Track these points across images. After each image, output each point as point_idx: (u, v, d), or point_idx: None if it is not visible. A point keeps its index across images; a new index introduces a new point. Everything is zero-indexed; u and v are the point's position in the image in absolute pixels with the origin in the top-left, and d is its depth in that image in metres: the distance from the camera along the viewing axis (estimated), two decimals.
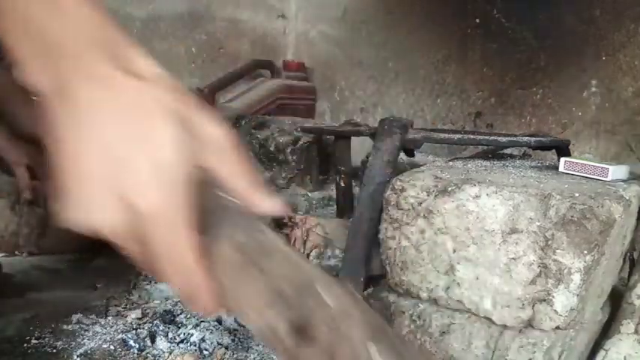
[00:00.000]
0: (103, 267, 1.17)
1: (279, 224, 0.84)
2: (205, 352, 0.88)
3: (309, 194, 1.48)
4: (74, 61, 0.40)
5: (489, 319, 0.76)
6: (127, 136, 0.39)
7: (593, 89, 1.50)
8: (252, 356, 0.88)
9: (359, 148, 1.49)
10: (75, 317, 0.95)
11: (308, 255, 0.93)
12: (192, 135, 0.40)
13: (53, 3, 0.41)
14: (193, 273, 0.39)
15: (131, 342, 0.87)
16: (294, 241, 0.86)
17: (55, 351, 0.86)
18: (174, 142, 0.39)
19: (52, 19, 0.40)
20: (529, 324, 0.74)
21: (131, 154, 0.38)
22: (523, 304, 0.73)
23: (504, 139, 1.10)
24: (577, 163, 0.90)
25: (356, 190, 1.21)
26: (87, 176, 0.38)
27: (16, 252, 1.21)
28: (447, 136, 1.09)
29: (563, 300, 0.71)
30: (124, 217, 0.38)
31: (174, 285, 0.40)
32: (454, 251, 0.78)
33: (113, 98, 0.40)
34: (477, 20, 1.72)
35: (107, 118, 0.39)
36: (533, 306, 0.73)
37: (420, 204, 0.79)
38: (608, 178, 0.85)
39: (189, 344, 0.88)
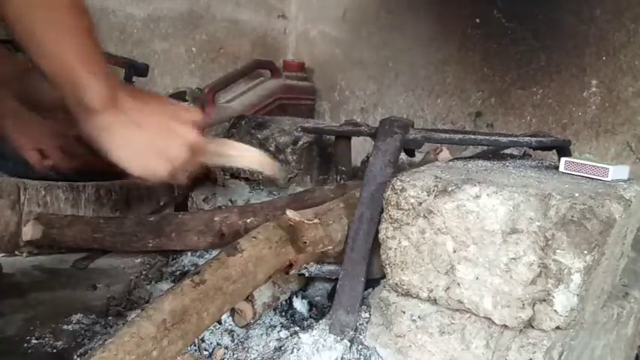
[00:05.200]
0: (103, 267, 1.17)
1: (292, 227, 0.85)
2: (205, 352, 0.88)
3: None
4: (117, 86, 0.71)
5: (489, 319, 0.76)
6: (161, 128, 0.76)
7: (593, 89, 1.50)
8: (252, 356, 0.88)
9: (359, 148, 1.49)
10: (75, 317, 0.95)
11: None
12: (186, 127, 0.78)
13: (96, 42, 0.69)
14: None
15: None
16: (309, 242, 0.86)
17: (55, 351, 0.86)
18: (184, 132, 0.77)
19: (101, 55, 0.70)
20: (529, 324, 0.74)
21: (168, 139, 0.76)
22: (523, 304, 0.73)
23: (505, 139, 1.10)
24: (577, 163, 0.90)
25: None
26: (146, 149, 0.75)
27: (16, 252, 1.21)
28: (447, 136, 1.09)
29: (563, 300, 0.71)
30: (166, 166, 0.76)
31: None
32: (454, 251, 0.78)
33: (149, 107, 0.76)
34: (477, 20, 1.72)
35: (147, 119, 0.75)
36: (534, 306, 0.73)
37: (420, 204, 0.79)
38: (608, 178, 0.85)
39: None
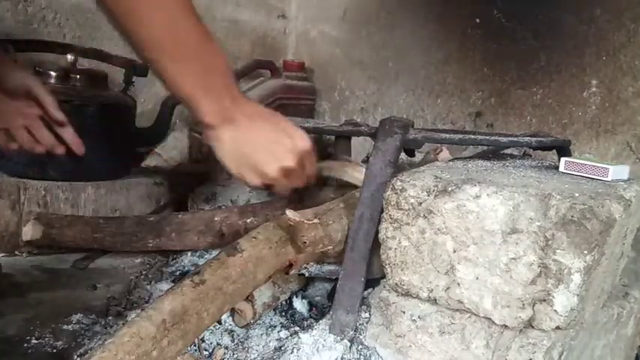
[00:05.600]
0: (103, 267, 1.17)
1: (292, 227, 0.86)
2: (205, 352, 0.88)
3: None
4: (231, 102, 0.77)
5: (489, 319, 0.76)
6: (270, 138, 0.81)
7: (593, 89, 1.50)
8: (252, 356, 0.88)
9: (359, 148, 1.48)
10: (75, 317, 0.95)
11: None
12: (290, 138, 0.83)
13: (216, 65, 0.76)
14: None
15: None
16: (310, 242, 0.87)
17: (55, 351, 0.86)
18: (290, 141, 0.82)
19: (217, 76, 0.76)
20: (529, 324, 0.74)
21: (276, 144, 0.81)
22: (523, 304, 0.73)
23: (505, 139, 1.10)
24: (577, 163, 0.90)
25: None
26: (252, 156, 0.80)
27: (16, 252, 1.21)
28: (447, 136, 1.09)
29: (563, 300, 0.71)
30: (279, 170, 0.81)
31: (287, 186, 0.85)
32: (454, 251, 0.78)
33: (261, 119, 0.81)
34: (477, 20, 1.72)
35: (258, 132, 0.80)
36: (534, 306, 0.73)
37: (420, 204, 0.79)
38: (608, 178, 0.85)
39: None
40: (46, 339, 0.88)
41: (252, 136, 0.80)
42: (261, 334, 0.94)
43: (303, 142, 0.83)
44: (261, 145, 0.81)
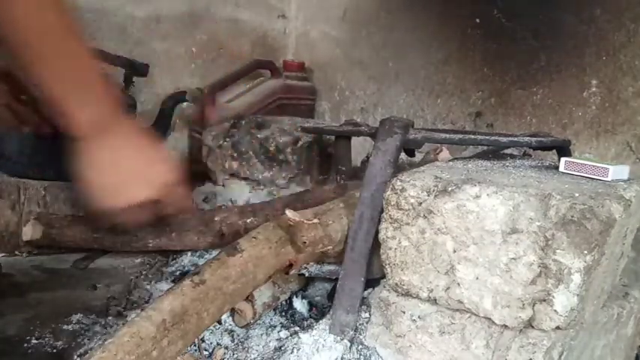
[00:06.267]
0: (103, 267, 1.17)
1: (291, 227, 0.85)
2: (205, 352, 0.88)
3: None
4: (107, 115, 0.72)
5: (489, 319, 0.76)
6: (144, 161, 0.76)
7: (593, 89, 1.50)
8: (252, 356, 0.88)
9: (359, 148, 1.49)
10: (75, 317, 0.95)
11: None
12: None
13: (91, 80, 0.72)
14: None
15: None
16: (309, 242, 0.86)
17: (55, 351, 0.86)
18: (163, 170, 0.78)
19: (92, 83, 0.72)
20: (529, 324, 0.74)
21: (150, 172, 0.77)
22: (523, 304, 0.73)
23: (505, 139, 1.10)
24: (577, 163, 0.90)
25: None
26: (129, 174, 0.75)
27: (16, 252, 1.21)
28: (447, 136, 1.09)
29: (563, 300, 0.71)
30: (151, 190, 0.76)
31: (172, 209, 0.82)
32: (454, 251, 0.78)
33: (131, 139, 0.76)
34: (477, 20, 1.72)
35: (133, 152, 0.75)
36: (533, 306, 0.73)
37: (420, 204, 0.79)
38: (609, 178, 0.85)
39: None
40: (46, 339, 0.88)
41: (125, 154, 0.75)
42: (261, 334, 0.94)
43: (174, 174, 0.79)
44: (133, 166, 0.76)
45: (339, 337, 0.86)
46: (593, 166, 0.87)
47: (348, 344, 0.86)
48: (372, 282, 0.91)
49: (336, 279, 0.90)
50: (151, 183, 0.76)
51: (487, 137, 1.17)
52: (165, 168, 0.79)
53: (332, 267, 0.97)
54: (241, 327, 0.96)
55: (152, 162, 0.77)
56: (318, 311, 1.03)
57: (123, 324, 0.71)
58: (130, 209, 0.77)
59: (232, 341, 0.92)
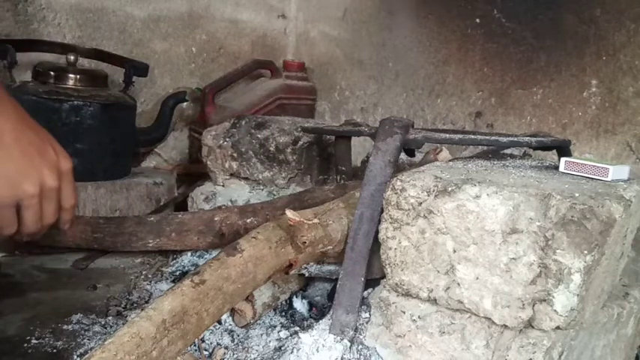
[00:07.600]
0: (103, 267, 1.17)
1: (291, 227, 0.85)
2: (205, 352, 0.88)
3: None
4: None
5: (489, 319, 0.76)
6: (34, 145, 0.68)
7: (593, 89, 1.50)
8: (252, 356, 0.88)
9: (359, 148, 1.49)
10: (75, 317, 0.95)
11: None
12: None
13: None
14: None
15: None
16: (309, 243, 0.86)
17: (55, 351, 0.86)
18: (54, 156, 0.71)
19: None
20: (529, 324, 0.74)
21: (41, 158, 0.68)
22: (523, 304, 0.73)
23: (505, 139, 1.10)
24: (577, 163, 0.90)
25: None
26: (19, 165, 0.66)
27: (16, 252, 1.21)
28: (447, 136, 1.09)
29: (563, 300, 0.71)
30: (38, 186, 0.68)
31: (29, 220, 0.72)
32: (454, 251, 0.78)
33: (21, 123, 0.67)
34: (477, 20, 1.72)
35: (22, 136, 0.67)
36: (533, 306, 0.73)
37: (420, 204, 0.79)
38: (609, 178, 0.85)
39: None
40: (46, 339, 0.88)
41: (13, 137, 0.65)
42: (261, 334, 0.94)
43: (67, 162, 0.71)
44: (22, 151, 0.66)
45: (339, 337, 0.86)
46: (593, 166, 0.87)
47: (348, 344, 0.86)
48: (372, 282, 0.91)
49: (336, 279, 0.90)
50: (45, 169, 0.69)
51: (487, 137, 1.17)
52: (58, 153, 0.70)
53: (332, 267, 0.97)
54: (241, 327, 0.96)
55: (45, 147, 0.69)
56: (318, 311, 1.03)
57: (123, 324, 0.71)
58: (30, 199, 0.69)
59: (232, 341, 0.92)
